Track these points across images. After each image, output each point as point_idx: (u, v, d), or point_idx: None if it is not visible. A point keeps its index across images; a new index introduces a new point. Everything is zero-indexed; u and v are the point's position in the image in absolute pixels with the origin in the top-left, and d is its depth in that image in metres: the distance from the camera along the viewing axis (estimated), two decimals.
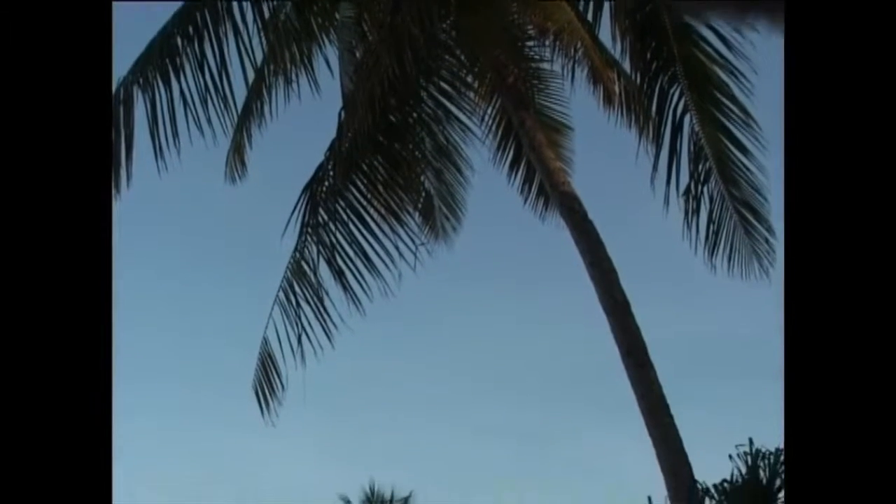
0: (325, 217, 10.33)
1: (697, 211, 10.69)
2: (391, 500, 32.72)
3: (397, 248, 10.36)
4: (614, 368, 8.89)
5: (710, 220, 10.77)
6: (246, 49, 10.19)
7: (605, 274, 9.18)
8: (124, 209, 9.85)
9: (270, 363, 10.44)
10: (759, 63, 10.15)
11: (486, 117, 11.68)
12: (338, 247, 10.30)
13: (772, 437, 11.16)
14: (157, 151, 9.91)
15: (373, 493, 32.70)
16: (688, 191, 10.62)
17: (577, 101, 11.69)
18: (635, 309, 9.01)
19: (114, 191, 9.31)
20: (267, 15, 10.32)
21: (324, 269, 10.30)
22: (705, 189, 10.67)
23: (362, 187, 10.51)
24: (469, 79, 11.22)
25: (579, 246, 9.42)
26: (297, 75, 10.43)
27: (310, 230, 10.33)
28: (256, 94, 10.68)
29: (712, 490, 12.12)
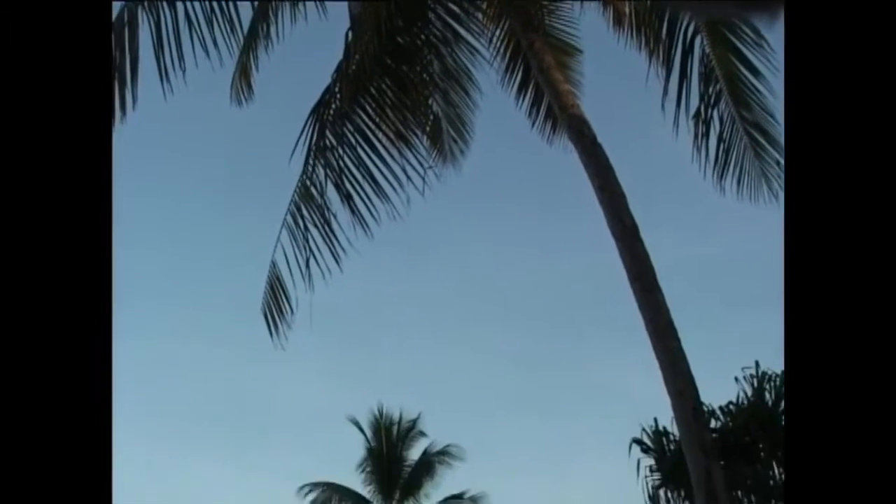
0: (333, 140, 10.28)
1: (707, 134, 10.62)
2: (399, 423, 33.11)
3: (405, 171, 10.32)
4: (622, 293, 8.92)
5: (720, 143, 10.70)
6: None
7: (614, 198, 9.14)
8: (130, 132, 9.81)
9: (279, 286, 10.48)
10: None
11: (495, 39, 11.55)
12: (345, 170, 10.27)
13: (778, 360, 11.23)
14: (163, 74, 9.83)
15: (381, 415, 33.11)
16: (698, 113, 10.53)
17: (586, 22, 11.58)
18: (644, 233, 8.99)
19: (119, 113, 9.29)
20: None
21: (331, 193, 10.29)
22: (715, 111, 10.58)
23: (370, 110, 10.45)
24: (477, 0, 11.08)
25: (588, 170, 9.37)
26: None
27: (317, 153, 10.30)
28: (262, 15, 10.56)
29: (718, 412, 12.24)
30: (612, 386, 40.26)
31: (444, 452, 32.65)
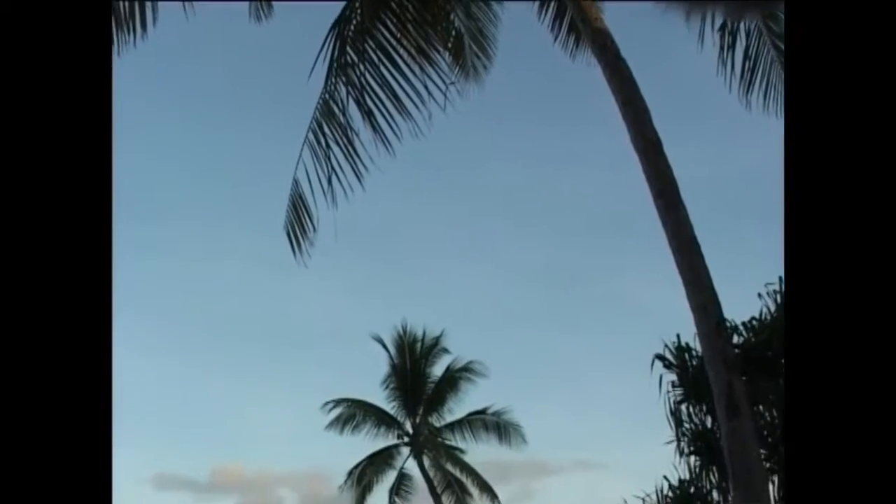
0: (354, 57, 10.18)
1: (733, 47, 10.46)
2: (422, 340, 33.35)
3: (427, 87, 10.22)
4: (645, 209, 8.88)
5: (745, 57, 10.55)
6: None
7: (638, 113, 9.04)
8: (150, 50, 9.75)
9: (301, 204, 10.48)
10: None
11: None
12: (367, 87, 10.19)
13: None
14: None
15: (404, 332, 33.34)
16: (724, 26, 10.36)
17: None
18: (667, 149, 8.92)
19: (139, 30, 9.24)
20: None
21: (353, 110, 10.23)
22: (741, 24, 10.41)
23: (391, 26, 10.32)
24: None
25: (611, 84, 9.25)
26: None
27: (338, 70, 10.21)
28: None
29: (741, 327, 12.23)
30: (635, 302, 40.39)
31: (466, 369, 32.92)
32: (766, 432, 10.81)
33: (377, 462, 32.66)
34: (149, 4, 9.36)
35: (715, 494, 13.32)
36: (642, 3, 9.24)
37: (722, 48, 10.40)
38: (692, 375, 13.18)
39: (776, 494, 10.17)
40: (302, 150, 10.33)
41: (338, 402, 32.66)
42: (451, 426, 32.93)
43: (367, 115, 10.19)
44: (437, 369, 33.24)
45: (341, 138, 10.22)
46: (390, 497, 32.34)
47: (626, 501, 13.57)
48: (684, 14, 9.34)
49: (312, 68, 10.19)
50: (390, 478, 32.71)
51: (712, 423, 13.02)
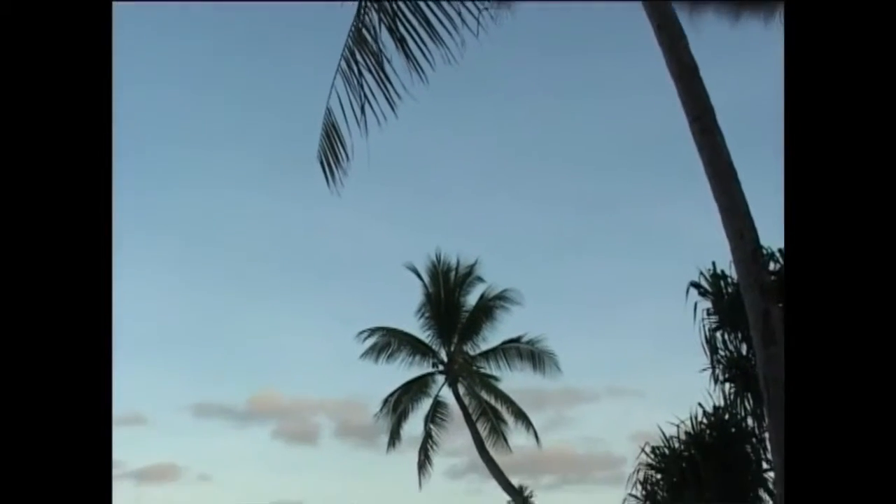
0: None
1: None
2: (456, 268, 33.41)
3: (460, 14, 10.09)
4: (681, 135, 8.79)
5: None
6: None
7: (673, 38, 8.91)
8: None
9: (334, 133, 10.45)
10: None
11: None
12: (399, 13, 10.08)
13: None
14: None
15: (438, 261, 33.41)
16: None
17: None
18: (704, 73, 8.78)
19: None
20: None
21: (385, 37, 10.12)
22: None
23: None
24: None
25: (646, 7, 9.12)
26: None
27: None
28: None
29: (777, 254, 12.17)
30: (670, 229, 40.21)
31: (501, 297, 32.99)
32: None
33: (412, 390, 32.95)
34: None
35: (749, 421, 13.38)
36: None
37: None
38: (727, 303, 13.17)
39: None
40: (335, 78, 10.27)
41: (373, 331, 32.90)
42: (486, 354, 33.10)
43: (400, 42, 10.09)
44: (472, 298, 33.36)
45: (374, 66, 10.14)
46: (426, 424, 32.71)
47: (661, 428, 13.66)
48: None
49: None
50: (425, 405, 33.08)
51: (747, 351, 13.04)
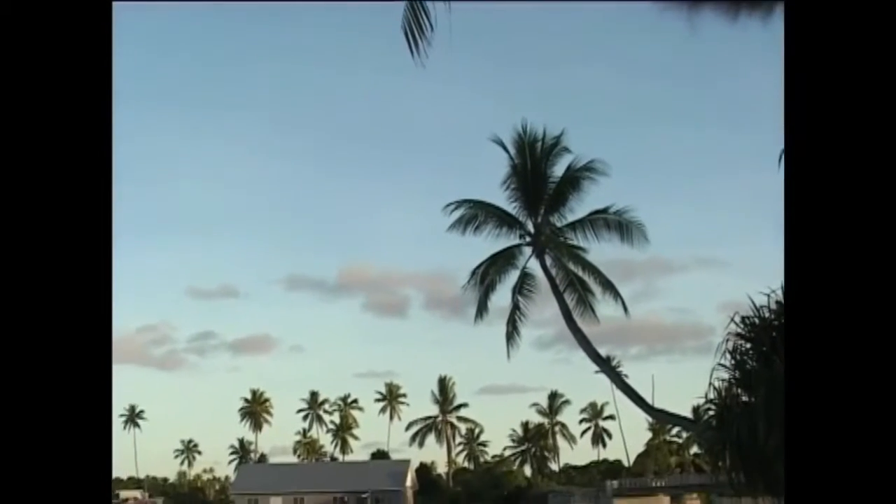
0: None
1: None
2: (543, 139, 33.09)
3: None
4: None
5: None
6: None
7: None
8: None
9: (418, 3, 10.28)
10: None
11: None
12: None
13: None
14: None
15: (525, 132, 33.09)
16: None
17: None
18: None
19: None
20: None
21: None
22: None
23: None
24: None
25: None
26: None
27: None
28: None
29: None
30: (760, 98, 39.24)
31: (588, 168, 32.68)
32: None
33: (499, 262, 33.11)
34: None
35: None
36: None
37: None
38: None
39: None
40: None
41: (459, 204, 32.98)
42: (573, 225, 32.96)
43: None
44: (558, 169, 33.08)
45: None
46: (513, 295, 32.93)
47: (750, 298, 13.54)
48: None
49: None
50: (513, 277, 33.27)
51: None
